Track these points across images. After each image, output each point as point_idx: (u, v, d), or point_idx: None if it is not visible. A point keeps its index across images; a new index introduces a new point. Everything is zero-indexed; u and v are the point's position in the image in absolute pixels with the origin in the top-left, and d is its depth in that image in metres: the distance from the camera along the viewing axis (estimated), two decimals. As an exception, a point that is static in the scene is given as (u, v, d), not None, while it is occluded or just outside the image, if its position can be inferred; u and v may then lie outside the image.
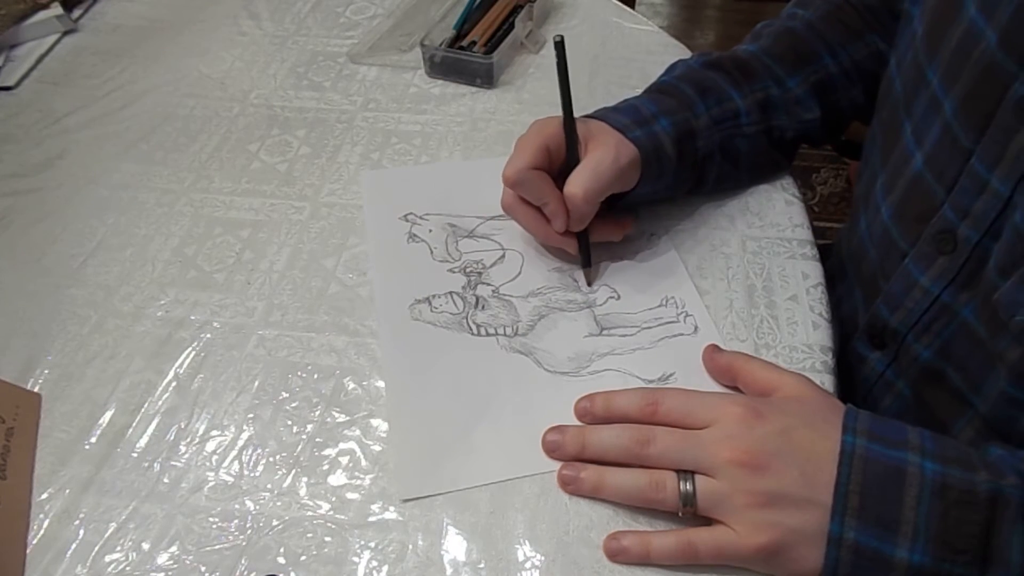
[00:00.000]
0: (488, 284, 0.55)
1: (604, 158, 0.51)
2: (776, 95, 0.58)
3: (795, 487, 0.39)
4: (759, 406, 0.42)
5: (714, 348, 0.49)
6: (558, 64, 0.51)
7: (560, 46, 0.51)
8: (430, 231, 0.59)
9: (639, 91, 0.60)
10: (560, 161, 0.53)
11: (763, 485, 0.39)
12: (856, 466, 0.38)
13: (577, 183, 0.51)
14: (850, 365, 0.56)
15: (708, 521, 0.41)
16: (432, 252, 0.58)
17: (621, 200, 0.55)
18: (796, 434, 0.40)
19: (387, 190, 0.63)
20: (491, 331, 0.52)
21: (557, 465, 0.45)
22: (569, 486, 0.44)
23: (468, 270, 0.56)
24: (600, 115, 0.55)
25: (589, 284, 0.55)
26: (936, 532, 0.37)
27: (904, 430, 0.40)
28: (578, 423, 0.46)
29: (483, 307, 0.54)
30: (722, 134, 0.57)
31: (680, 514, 0.41)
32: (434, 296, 0.54)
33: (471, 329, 0.52)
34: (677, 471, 0.42)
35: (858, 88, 0.61)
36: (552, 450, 0.45)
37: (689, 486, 0.41)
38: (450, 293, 0.55)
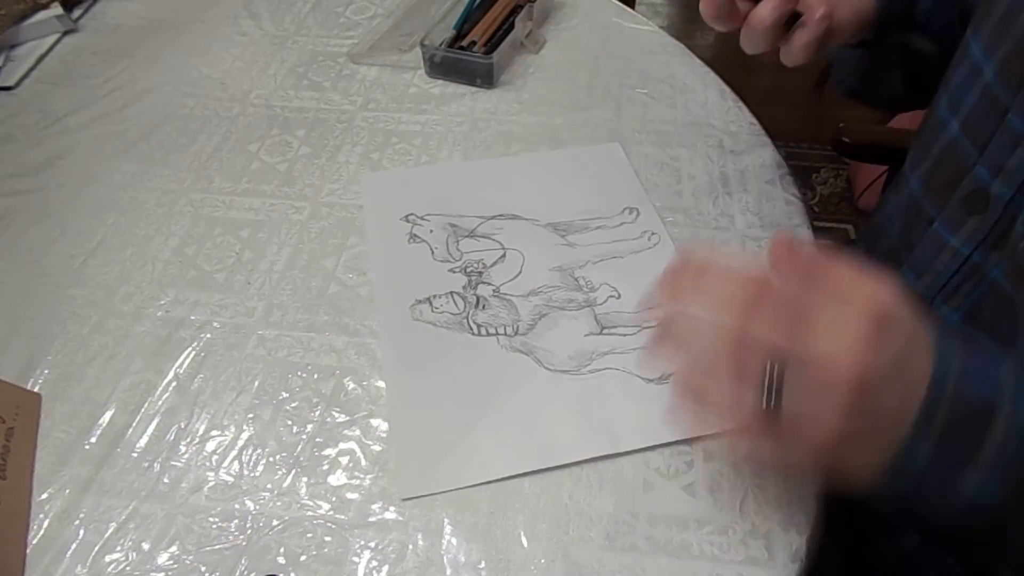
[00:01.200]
0: (489, 284, 0.55)
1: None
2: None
3: (890, 407, 0.36)
4: (880, 321, 0.37)
5: (788, 238, 0.41)
6: None
7: None
8: (431, 231, 0.59)
9: (639, 91, 0.61)
10: None
11: (857, 401, 0.35)
12: (948, 395, 0.35)
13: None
14: (925, 254, 0.55)
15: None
16: (433, 252, 0.58)
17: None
18: (903, 362, 0.36)
19: (388, 191, 0.63)
20: (492, 331, 0.52)
21: (557, 464, 0.45)
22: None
23: (469, 270, 0.56)
24: None
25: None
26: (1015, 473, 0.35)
27: (998, 365, 0.38)
28: (579, 420, 0.46)
29: (484, 307, 0.54)
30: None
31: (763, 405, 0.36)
32: (435, 296, 0.54)
33: (472, 329, 0.52)
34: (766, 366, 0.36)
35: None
36: (658, 335, 0.40)
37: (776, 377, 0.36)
38: (451, 293, 0.55)
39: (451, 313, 0.53)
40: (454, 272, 0.56)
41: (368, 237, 0.59)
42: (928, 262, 0.50)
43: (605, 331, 0.52)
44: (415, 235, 0.59)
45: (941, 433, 0.36)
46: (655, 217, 0.59)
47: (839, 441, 0.36)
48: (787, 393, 0.36)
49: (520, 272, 0.56)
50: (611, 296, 0.54)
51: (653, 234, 0.58)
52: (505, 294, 0.55)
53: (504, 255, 0.57)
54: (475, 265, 0.56)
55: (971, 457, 0.36)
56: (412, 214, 0.60)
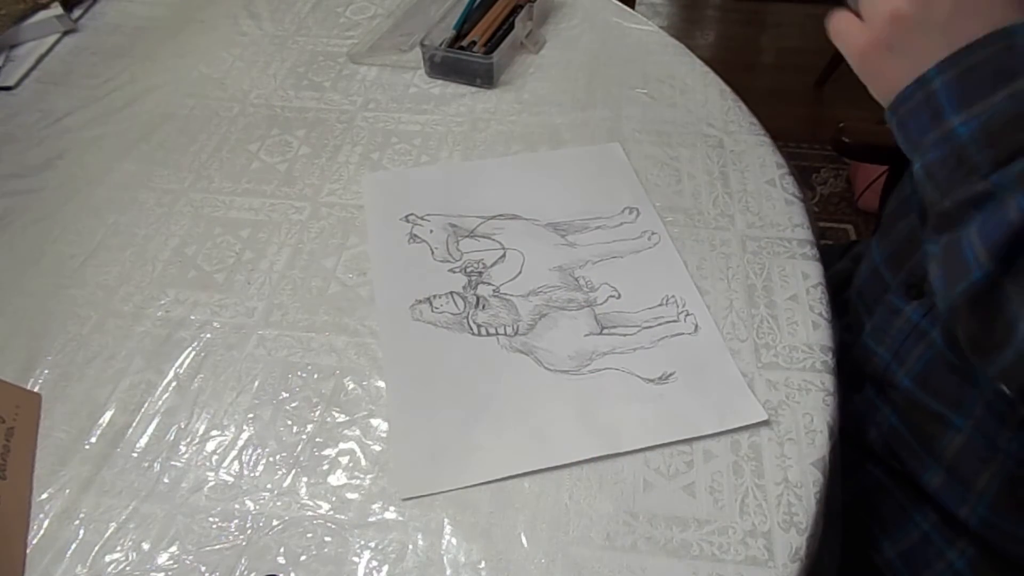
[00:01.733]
0: (489, 284, 0.55)
1: None
2: None
3: (942, 15, 0.37)
4: None
5: None
6: None
7: None
8: (431, 232, 0.59)
9: (639, 91, 0.60)
10: None
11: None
12: (996, 40, 0.37)
13: None
14: (881, 320, 0.55)
15: None
16: (433, 252, 0.58)
17: None
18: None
19: (388, 192, 0.63)
20: (492, 330, 0.52)
21: (557, 464, 0.45)
22: None
23: (469, 270, 0.56)
24: None
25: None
26: (995, 128, 0.36)
27: None
28: (579, 420, 0.46)
29: (484, 307, 0.54)
30: None
31: None
32: (435, 296, 0.54)
33: (472, 329, 0.52)
34: None
35: None
36: None
37: None
38: (451, 293, 0.55)
39: (451, 313, 0.53)
40: (454, 272, 0.56)
41: (368, 237, 0.59)
42: (885, 327, 0.52)
43: (605, 331, 0.52)
44: (415, 235, 0.59)
45: (958, 75, 0.37)
46: (655, 217, 0.59)
47: (893, 33, 0.38)
48: None
49: (520, 272, 0.56)
50: (611, 296, 0.54)
51: (653, 234, 0.58)
52: (505, 294, 0.55)
53: (504, 255, 0.57)
54: (475, 265, 0.56)
55: (969, 104, 0.37)
56: (412, 214, 0.60)
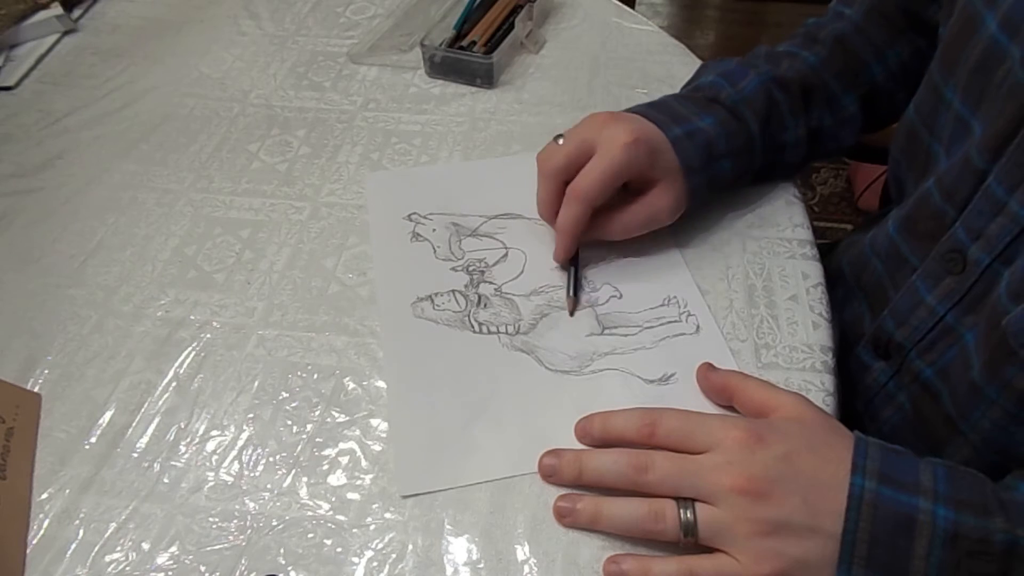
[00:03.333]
0: (491, 283, 0.55)
1: (661, 212, 0.53)
2: (828, 125, 0.59)
3: (798, 515, 0.38)
4: (760, 429, 0.40)
5: (708, 367, 0.47)
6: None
7: None
8: (433, 230, 0.59)
9: (639, 91, 0.60)
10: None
11: (765, 513, 0.38)
12: (865, 513, 0.37)
13: (627, 228, 0.53)
14: (853, 372, 0.56)
15: (709, 549, 0.40)
16: (435, 251, 0.58)
17: None
18: (799, 459, 0.39)
19: (391, 191, 0.63)
20: (493, 329, 0.52)
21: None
22: (565, 518, 0.42)
23: (471, 268, 0.56)
24: (675, 140, 0.52)
25: (571, 312, 0.53)
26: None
27: (916, 468, 0.39)
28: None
29: (485, 305, 0.54)
30: (763, 161, 0.57)
31: (681, 544, 0.40)
32: (436, 294, 0.54)
33: (473, 327, 0.52)
34: (677, 499, 0.40)
35: (902, 92, 0.60)
36: (548, 475, 0.44)
37: (690, 515, 0.39)
38: (452, 291, 0.55)
39: (453, 311, 0.53)
40: (456, 271, 0.56)
41: (371, 235, 0.59)
42: (906, 314, 0.50)
43: (606, 331, 0.52)
44: (417, 234, 0.59)
45: (867, 553, 0.37)
46: None
47: (771, 559, 0.38)
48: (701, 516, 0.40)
49: (522, 272, 0.56)
50: (613, 296, 0.54)
51: (655, 233, 0.58)
52: (507, 293, 0.55)
53: (506, 254, 0.57)
54: (477, 264, 0.56)
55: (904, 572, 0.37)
56: (415, 213, 0.60)
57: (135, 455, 0.47)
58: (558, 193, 0.53)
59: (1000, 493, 0.38)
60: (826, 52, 0.59)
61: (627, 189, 0.54)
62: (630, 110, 0.55)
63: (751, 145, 0.55)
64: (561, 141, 0.53)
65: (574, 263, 0.54)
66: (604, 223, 0.53)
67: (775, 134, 0.56)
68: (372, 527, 0.43)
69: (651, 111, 0.54)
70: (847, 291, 0.59)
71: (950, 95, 0.47)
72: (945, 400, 0.48)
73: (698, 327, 0.52)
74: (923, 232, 0.49)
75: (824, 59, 0.59)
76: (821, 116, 0.58)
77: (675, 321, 0.52)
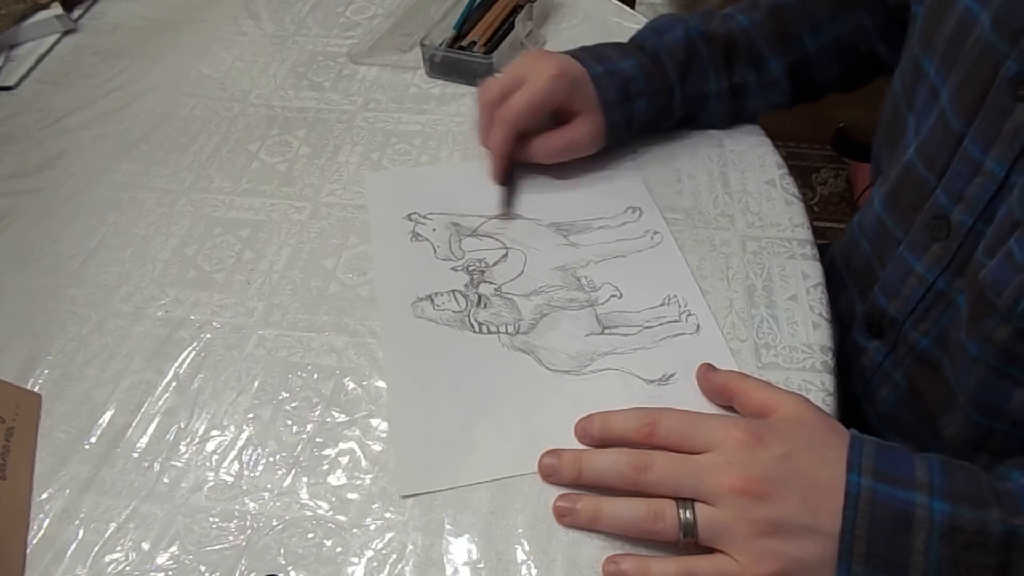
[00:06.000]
0: (491, 282, 0.55)
1: (580, 141, 0.59)
2: (752, 81, 0.62)
3: (798, 515, 0.38)
4: (760, 429, 0.41)
5: (708, 367, 0.47)
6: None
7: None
8: (433, 230, 0.59)
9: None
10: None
11: (765, 513, 0.38)
12: (862, 510, 0.37)
13: (548, 151, 0.58)
14: (848, 356, 0.56)
15: (708, 550, 0.40)
16: (435, 251, 0.58)
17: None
18: (797, 459, 0.39)
19: (391, 190, 0.63)
20: (493, 329, 0.52)
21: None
22: (565, 518, 0.42)
23: (471, 268, 0.56)
24: (596, 76, 0.58)
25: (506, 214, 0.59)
26: None
27: (911, 463, 0.39)
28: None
29: (485, 305, 0.54)
30: (687, 110, 0.62)
31: (680, 544, 0.40)
32: (436, 294, 0.54)
33: (473, 327, 0.52)
34: (676, 499, 0.40)
35: (835, 66, 0.64)
36: (548, 474, 0.44)
37: (689, 515, 0.39)
38: (452, 291, 0.55)
39: (452, 311, 0.53)
40: (456, 271, 0.56)
41: (371, 235, 0.59)
42: (897, 286, 0.51)
43: (607, 331, 0.52)
44: (417, 233, 0.59)
45: (866, 551, 0.37)
46: (658, 216, 0.59)
47: (770, 560, 0.38)
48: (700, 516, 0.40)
49: (522, 272, 0.56)
50: (613, 296, 0.54)
51: (656, 233, 0.58)
52: (507, 293, 0.55)
53: (506, 254, 0.57)
54: (477, 264, 0.56)
55: (903, 572, 0.37)
56: (415, 213, 0.60)
57: (135, 455, 0.47)
58: (492, 121, 0.59)
59: (994, 484, 0.38)
60: (761, 17, 0.63)
61: (555, 120, 0.60)
62: (565, 52, 0.60)
63: (669, 90, 0.60)
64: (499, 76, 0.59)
65: (509, 182, 0.61)
66: (530, 146, 0.60)
67: (697, 84, 0.61)
68: (372, 527, 0.43)
69: (580, 52, 0.60)
70: (839, 281, 0.60)
71: (927, 66, 0.48)
72: (945, 367, 0.48)
73: (698, 327, 0.52)
74: (907, 203, 0.50)
75: (757, 23, 0.63)
76: (745, 73, 0.62)
77: (675, 321, 0.52)
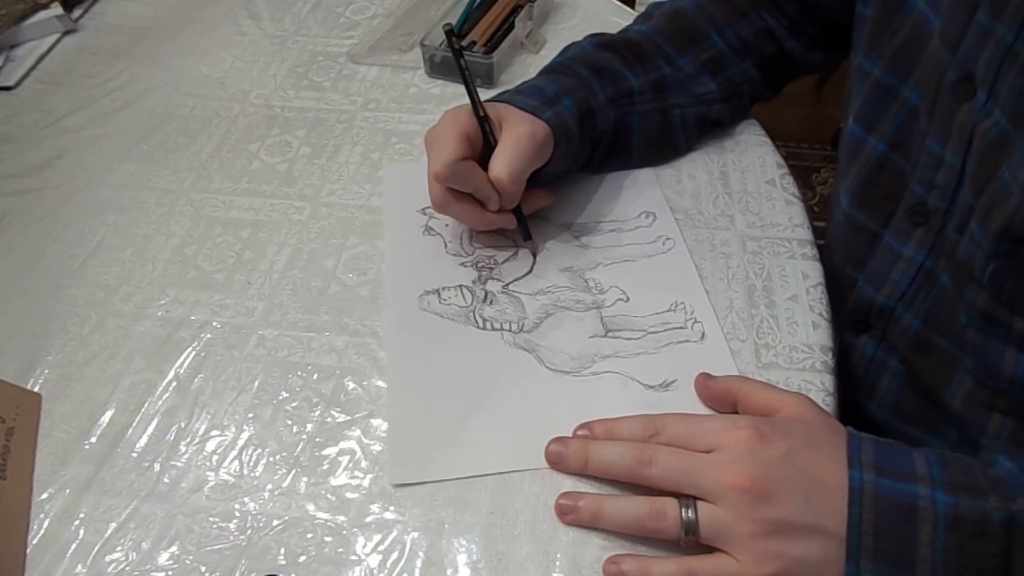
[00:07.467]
0: (498, 280, 0.55)
1: (522, 137, 0.52)
2: (669, 74, 0.61)
3: (800, 514, 0.38)
4: (763, 427, 0.41)
5: (706, 376, 0.47)
6: (454, 52, 0.54)
7: (449, 34, 0.55)
8: (446, 225, 0.59)
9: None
10: (479, 147, 0.53)
11: (767, 513, 0.38)
12: (867, 505, 0.37)
13: (502, 165, 0.52)
14: (839, 360, 0.56)
15: (709, 549, 0.40)
16: (446, 245, 0.58)
17: (534, 180, 0.55)
18: (800, 458, 0.39)
19: (407, 183, 0.62)
20: (496, 326, 0.52)
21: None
22: (567, 516, 0.42)
23: (479, 264, 0.56)
24: (506, 99, 0.56)
25: (535, 254, 0.56)
26: (954, 567, 0.36)
27: (910, 457, 0.39)
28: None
29: (491, 302, 0.54)
30: (617, 112, 0.59)
31: (681, 543, 0.40)
32: (444, 288, 0.55)
33: (477, 323, 0.53)
34: (678, 498, 0.40)
35: (749, 62, 0.63)
36: (555, 461, 0.44)
37: (691, 513, 0.39)
38: (460, 286, 0.55)
39: (458, 306, 0.53)
40: (465, 266, 0.56)
41: (384, 226, 0.59)
42: (885, 273, 0.52)
43: (610, 334, 0.52)
44: (430, 227, 0.59)
45: (874, 546, 0.37)
46: (672, 222, 0.58)
47: (773, 560, 0.38)
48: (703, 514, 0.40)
49: (530, 271, 0.56)
50: (619, 299, 0.54)
51: (668, 239, 0.57)
52: (514, 291, 0.55)
53: (516, 253, 0.57)
54: (486, 260, 0.57)
55: (911, 564, 0.37)
56: (429, 207, 0.60)
57: (135, 455, 0.47)
58: (448, 195, 0.54)
59: (987, 472, 0.39)
60: (659, 22, 0.63)
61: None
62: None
63: (587, 84, 0.57)
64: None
65: (518, 210, 0.56)
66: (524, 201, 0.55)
67: (615, 82, 0.59)
68: (372, 527, 0.43)
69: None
70: None
71: (868, 66, 0.51)
72: (937, 341, 0.50)
73: (703, 335, 0.51)
74: (882, 195, 0.52)
75: (656, 27, 0.62)
76: (659, 67, 0.60)
77: (680, 327, 0.52)
